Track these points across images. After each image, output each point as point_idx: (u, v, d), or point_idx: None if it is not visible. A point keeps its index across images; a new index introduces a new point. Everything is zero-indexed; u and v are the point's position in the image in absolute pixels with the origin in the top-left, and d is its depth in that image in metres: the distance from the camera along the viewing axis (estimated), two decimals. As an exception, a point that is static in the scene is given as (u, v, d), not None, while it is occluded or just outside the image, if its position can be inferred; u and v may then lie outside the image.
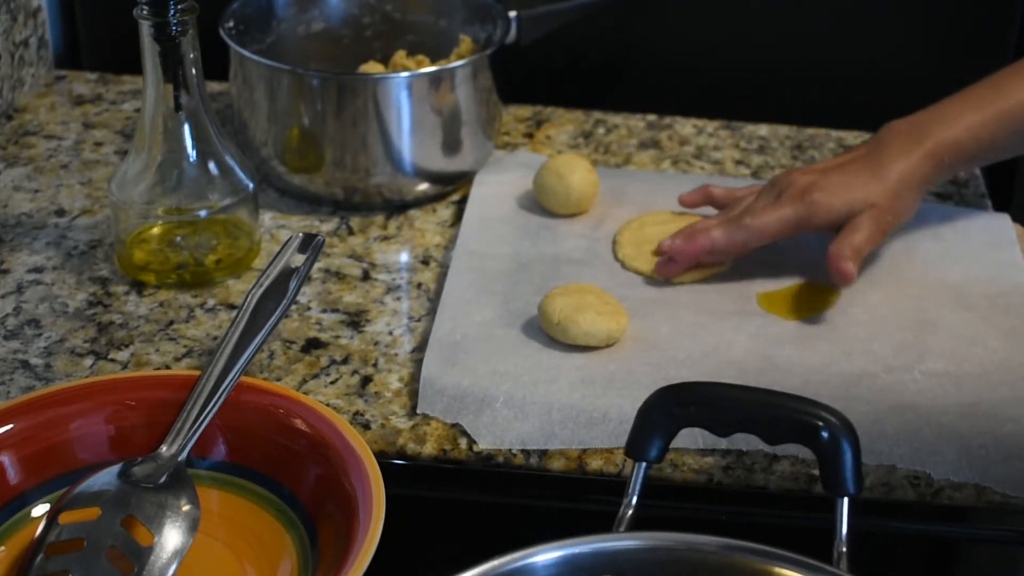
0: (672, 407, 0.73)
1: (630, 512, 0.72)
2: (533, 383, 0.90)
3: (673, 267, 1.01)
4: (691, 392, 0.74)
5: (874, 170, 0.99)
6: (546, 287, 0.98)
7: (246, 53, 1.08)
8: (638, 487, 0.73)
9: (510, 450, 0.87)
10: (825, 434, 0.70)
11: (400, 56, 1.16)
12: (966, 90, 1.01)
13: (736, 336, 0.95)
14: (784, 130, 1.25)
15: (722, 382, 0.75)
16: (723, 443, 0.87)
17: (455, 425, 0.88)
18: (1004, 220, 1.10)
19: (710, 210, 1.07)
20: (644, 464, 0.73)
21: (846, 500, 0.71)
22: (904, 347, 0.95)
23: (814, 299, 1.00)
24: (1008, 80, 1.00)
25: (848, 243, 0.98)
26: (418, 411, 0.89)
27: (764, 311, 0.99)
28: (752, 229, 0.99)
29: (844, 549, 0.69)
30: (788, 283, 1.02)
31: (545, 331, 0.94)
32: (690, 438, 0.87)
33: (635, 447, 0.74)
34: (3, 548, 0.77)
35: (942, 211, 1.11)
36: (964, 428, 0.87)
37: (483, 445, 0.87)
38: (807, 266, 1.04)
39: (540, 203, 1.10)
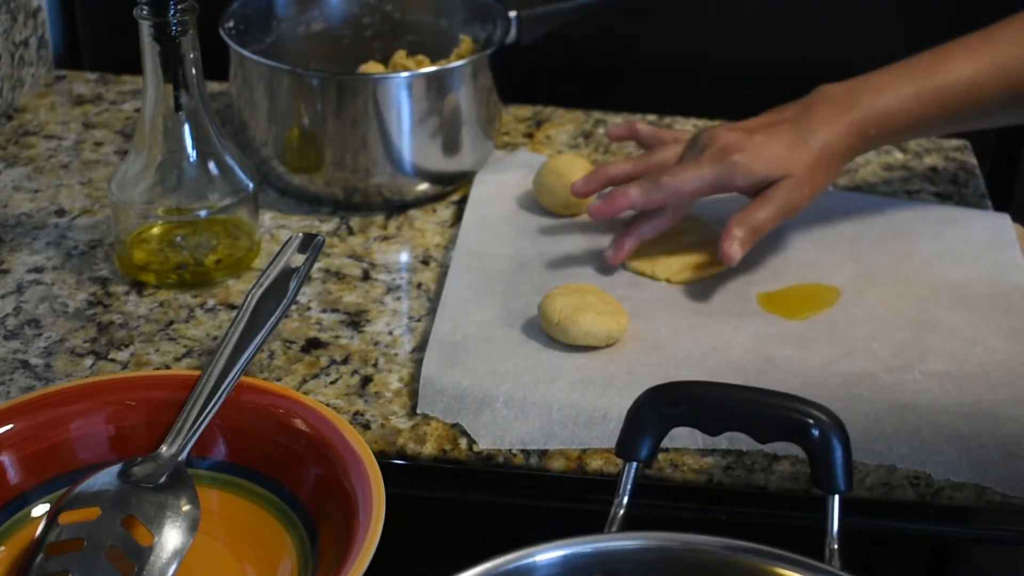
0: (662, 406, 0.73)
1: (621, 512, 0.72)
2: (533, 383, 0.90)
3: (613, 253, 1.01)
4: (681, 391, 0.74)
5: (798, 135, 0.98)
6: (546, 287, 0.98)
7: (246, 53, 1.08)
8: (629, 487, 0.73)
9: (510, 450, 0.87)
10: (816, 432, 0.71)
11: (400, 56, 1.16)
12: (905, 61, 1.00)
13: (736, 336, 0.95)
14: (784, 130, 1.25)
15: (712, 381, 0.76)
16: (724, 443, 0.87)
17: (455, 425, 0.88)
18: (1004, 220, 1.10)
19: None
20: (635, 464, 0.73)
21: (837, 498, 0.71)
22: (904, 347, 0.95)
23: (814, 299, 1.00)
24: (950, 55, 0.99)
25: (750, 219, 0.97)
26: (418, 411, 0.89)
27: (764, 311, 0.99)
28: (670, 188, 0.98)
29: (836, 546, 0.70)
30: (788, 283, 1.02)
31: (545, 331, 0.94)
32: (690, 438, 0.87)
33: (625, 447, 0.74)
34: (3, 548, 0.77)
35: (942, 211, 1.11)
36: (964, 428, 0.87)
37: (483, 445, 0.87)
38: (807, 266, 1.04)
39: (540, 203, 1.10)
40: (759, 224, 0.97)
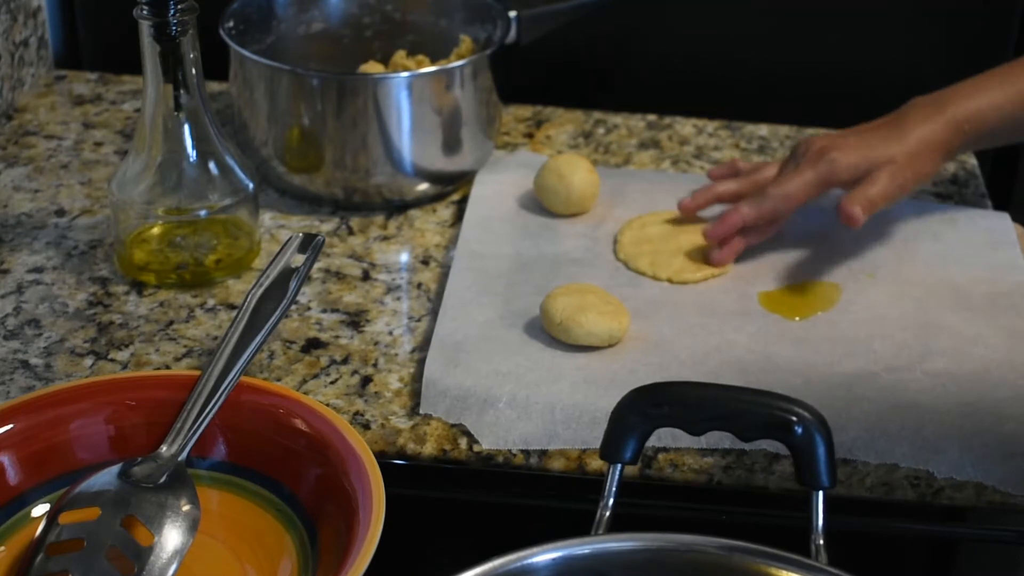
0: (646, 408, 0.73)
1: (607, 514, 0.72)
2: (535, 383, 0.90)
3: (720, 254, 1.03)
4: (664, 392, 0.74)
5: (894, 133, 1.01)
6: (547, 287, 0.98)
7: (246, 53, 1.08)
8: (614, 489, 0.73)
9: (510, 450, 0.87)
10: (799, 429, 0.71)
11: (400, 56, 1.16)
12: (990, 71, 1.03)
13: (738, 336, 0.95)
14: (784, 130, 1.25)
15: (694, 381, 0.76)
16: (725, 442, 0.87)
17: (455, 425, 0.88)
18: (1004, 220, 1.10)
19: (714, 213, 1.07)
20: (619, 465, 0.73)
21: (821, 493, 0.72)
22: (906, 346, 0.95)
23: (815, 299, 1.00)
24: None
25: (863, 193, 0.99)
26: (420, 411, 0.89)
27: (766, 311, 0.99)
28: (777, 197, 1.01)
29: (821, 542, 0.70)
30: (789, 283, 1.02)
31: (547, 331, 0.94)
32: (691, 438, 0.87)
33: (609, 449, 0.74)
34: (3, 548, 0.76)
35: (942, 211, 1.11)
36: (966, 427, 0.87)
37: (486, 445, 0.87)
38: (808, 266, 1.04)
39: (541, 203, 1.10)
40: (873, 196, 0.99)
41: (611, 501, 0.73)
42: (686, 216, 1.08)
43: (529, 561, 0.67)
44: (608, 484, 0.73)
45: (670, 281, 1.02)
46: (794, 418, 0.71)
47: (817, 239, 1.07)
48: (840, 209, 0.99)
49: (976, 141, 1.03)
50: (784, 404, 0.72)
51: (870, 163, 1.00)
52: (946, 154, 1.02)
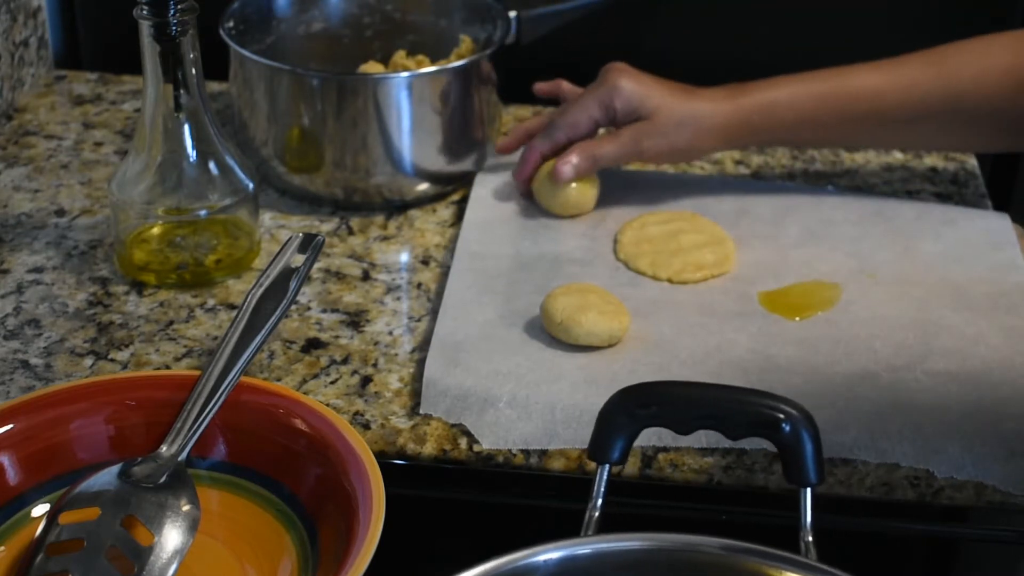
0: (633, 408, 0.73)
1: (596, 515, 0.72)
2: (536, 383, 0.90)
3: (522, 184, 1.08)
4: (651, 392, 0.74)
5: (684, 93, 1.03)
6: (547, 287, 0.98)
7: (246, 53, 1.08)
8: (602, 490, 0.73)
9: (510, 450, 0.87)
10: (786, 427, 0.71)
11: (400, 56, 1.16)
12: (807, 72, 1.03)
13: (738, 336, 0.95)
14: (784, 130, 1.25)
15: (681, 380, 0.76)
16: (725, 442, 0.87)
17: (455, 425, 0.88)
18: (1004, 220, 1.10)
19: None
20: (607, 466, 0.73)
21: (809, 490, 0.72)
22: (906, 346, 0.95)
23: (816, 299, 1.00)
24: (855, 69, 1.02)
25: (593, 148, 1.03)
26: (421, 411, 0.89)
27: (766, 311, 0.99)
28: (563, 124, 1.06)
29: (810, 539, 0.71)
30: (789, 283, 1.02)
31: (547, 331, 0.94)
32: (692, 438, 0.87)
33: (597, 450, 0.74)
34: (3, 548, 0.76)
35: (942, 211, 1.11)
36: (966, 426, 0.87)
37: (486, 445, 0.87)
38: (808, 265, 1.04)
39: (540, 204, 1.10)
40: (600, 155, 1.03)
41: (599, 502, 0.73)
42: (503, 152, 1.13)
43: (529, 561, 0.67)
44: (596, 485, 0.73)
45: (670, 281, 1.02)
46: (781, 416, 0.72)
47: (817, 239, 1.07)
48: (555, 166, 1.03)
49: (768, 136, 1.03)
50: (771, 402, 0.72)
51: (641, 101, 1.02)
52: (721, 140, 1.02)
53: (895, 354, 0.94)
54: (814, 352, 0.94)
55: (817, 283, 1.02)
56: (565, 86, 1.13)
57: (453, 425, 0.88)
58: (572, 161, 1.03)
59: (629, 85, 1.02)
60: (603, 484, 0.73)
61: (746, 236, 1.06)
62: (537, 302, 0.96)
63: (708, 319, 0.97)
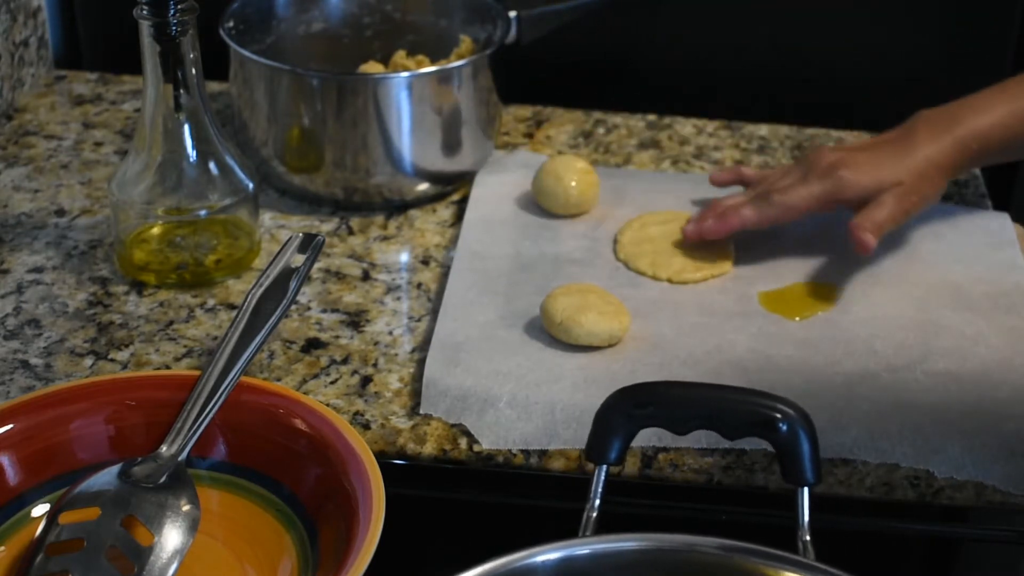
0: (629, 408, 0.73)
1: (594, 515, 0.72)
2: (536, 383, 0.90)
3: (695, 231, 1.03)
4: (648, 392, 0.74)
5: (902, 151, 1.01)
6: (547, 287, 0.98)
7: (246, 53, 1.08)
8: (600, 490, 0.73)
9: (510, 450, 0.87)
10: (783, 426, 0.71)
11: (400, 56, 1.16)
12: (1000, 83, 1.03)
13: (738, 336, 0.95)
14: (784, 130, 1.25)
15: (678, 380, 0.76)
16: (725, 443, 0.87)
17: (455, 425, 0.88)
18: (1004, 220, 1.10)
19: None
20: (604, 467, 0.73)
21: (806, 490, 0.72)
22: (906, 346, 0.95)
23: (815, 299, 1.00)
24: None
25: (870, 217, 0.99)
26: (421, 411, 0.89)
27: (766, 311, 0.99)
28: (781, 205, 1.01)
29: (807, 538, 0.71)
30: (789, 283, 1.02)
31: (547, 331, 0.94)
32: (692, 438, 0.87)
33: (594, 450, 0.74)
34: (3, 548, 0.76)
35: (942, 211, 1.11)
36: (966, 426, 0.87)
37: (486, 445, 0.87)
38: (809, 266, 1.04)
39: (540, 205, 1.10)
40: (881, 220, 0.99)
41: (597, 502, 0.73)
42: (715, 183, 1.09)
43: (529, 561, 0.67)
44: (594, 485, 0.73)
45: (670, 281, 1.02)
46: (778, 415, 0.72)
47: (817, 239, 1.06)
48: (852, 236, 0.98)
49: (981, 159, 1.03)
50: (768, 402, 0.72)
51: (878, 185, 0.99)
52: (950, 174, 1.02)
53: (895, 354, 0.94)
54: (814, 352, 0.94)
55: (817, 283, 1.02)
56: (747, 172, 1.08)
57: (453, 425, 0.88)
58: (867, 230, 0.98)
59: (853, 174, 1.00)
60: (601, 484, 0.73)
61: (746, 236, 1.06)
62: (537, 302, 0.96)
63: (708, 319, 0.97)
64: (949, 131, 1.00)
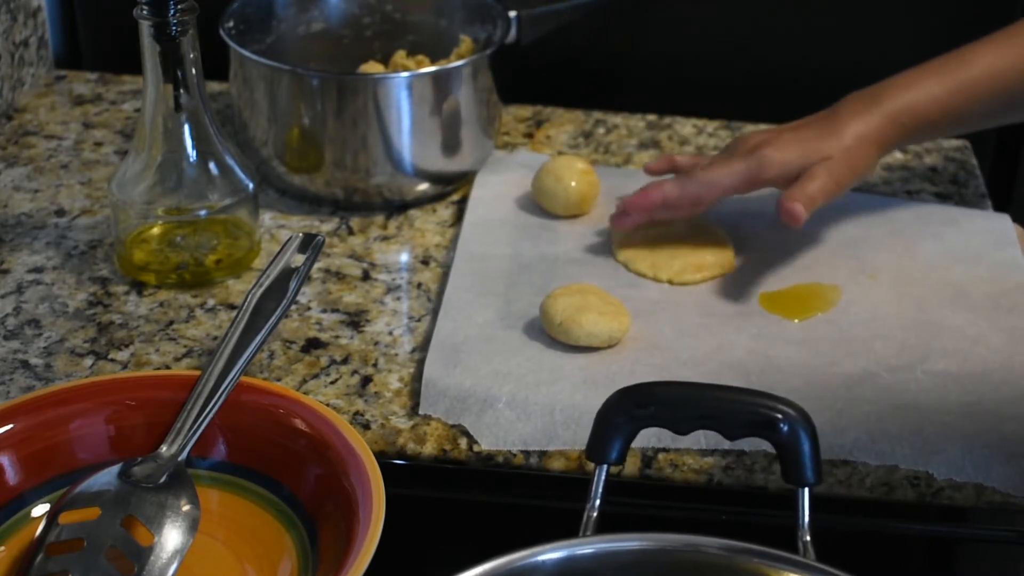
0: (631, 408, 0.73)
1: (595, 515, 0.72)
2: (535, 384, 0.90)
3: (627, 219, 1.02)
4: (649, 392, 0.74)
5: (828, 129, 0.99)
6: (547, 288, 0.98)
7: (246, 53, 1.08)
8: (600, 490, 0.73)
9: (510, 450, 0.87)
10: (784, 427, 0.71)
11: (400, 56, 1.16)
12: (928, 61, 1.01)
13: (738, 337, 0.95)
14: (784, 130, 1.25)
15: (679, 380, 0.76)
16: (725, 443, 0.87)
17: (455, 425, 0.88)
18: (1005, 220, 1.10)
19: None
20: (605, 467, 0.73)
21: (807, 490, 0.72)
22: (906, 347, 0.95)
23: (816, 299, 1.00)
24: (973, 51, 1.01)
25: (801, 190, 0.97)
26: (420, 412, 0.89)
27: (766, 311, 0.99)
28: (703, 182, 1.00)
29: (808, 538, 0.70)
30: (790, 283, 1.02)
31: (547, 332, 0.94)
32: (692, 438, 0.87)
33: (595, 450, 0.74)
34: (3, 548, 0.76)
35: (943, 211, 1.11)
36: (967, 427, 0.87)
37: (485, 446, 0.87)
38: (808, 266, 1.04)
39: (539, 205, 1.10)
40: (812, 192, 0.97)
41: (597, 502, 0.73)
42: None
43: (530, 561, 0.67)
44: (594, 485, 0.73)
45: (671, 282, 1.02)
46: (779, 416, 0.72)
47: (817, 239, 1.06)
48: (780, 207, 0.97)
49: (914, 134, 1.02)
50: (769, 402, 0.72)
51: (803, 161, 0.98)
52: (882, 148, 1.00)
53: (895, 355, 0.94)
54: (814, 353, 0.94)
55: (817, 284, 1.02)
56: (680, 159, 1.07)
57: (453, 425, 0.88)
58: (798, 200, 0.97)
59: (777, 152, 0.99)
60: (601, 484, 0.73)
61: (746, 237, 1.06)
62: (537, 303, 0.96)
63: (708, 320, 0.97)
64: (876, 106, 0.99)
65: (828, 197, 0.98)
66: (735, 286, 1.01)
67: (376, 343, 0.96)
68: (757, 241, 1.06)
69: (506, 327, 0.96)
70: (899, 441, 0.86)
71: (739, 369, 0.92)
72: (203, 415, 0.79)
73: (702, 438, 0.87)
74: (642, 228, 1.07)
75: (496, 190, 1.12)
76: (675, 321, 0.97)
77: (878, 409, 0.88)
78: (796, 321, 0.98)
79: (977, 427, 0.87)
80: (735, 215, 1.08)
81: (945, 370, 0.92)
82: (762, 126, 1.25)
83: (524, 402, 0.89)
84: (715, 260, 1.03)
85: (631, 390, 0.74)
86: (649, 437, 0.86)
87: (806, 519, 0.71)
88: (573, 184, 1.08)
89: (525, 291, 0.99)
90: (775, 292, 1.01)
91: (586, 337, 0.92)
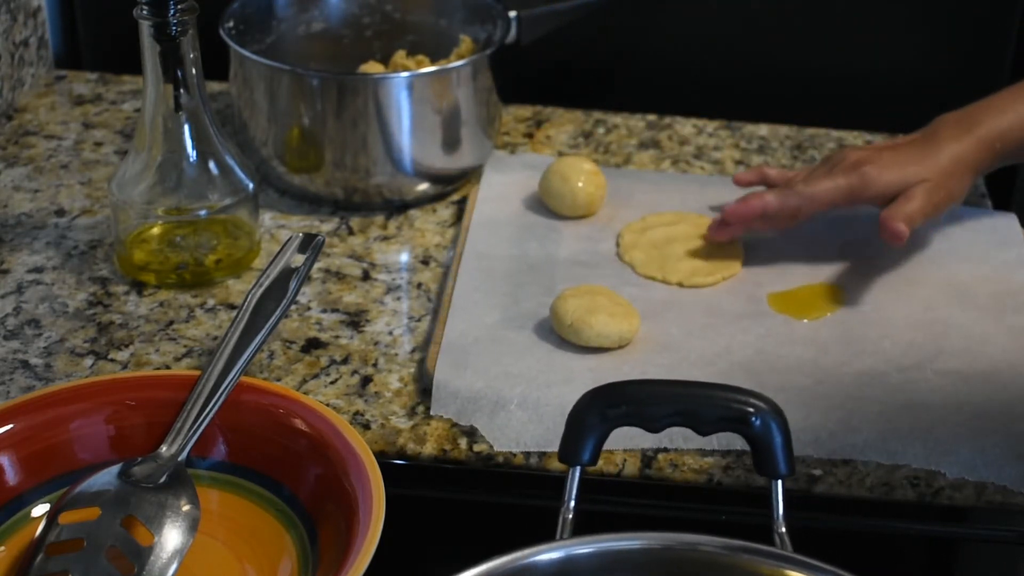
0: (602, 408, 0.73)
1: (570, 516, 0.72)
2: (546, 385, 0.90)
3: (726, 230, 1.03)
4: (620, 392, 0.74)
5: (927, 150, 1.00)
6: (555, 289, 0.98)
7: (246, 53, 1.08)
8: (575, 492, 0.73)
9: (510, 450, 0.87)
10: (756, 420, 0.72)
11: (400, 56, 1.16)
12: (1018, 84, 1.03)
13: (747, 337, 0.95)
14: (784, 130, 1.25)
15: (650, 379, 0.76)
16: (725, 443, 0.87)
17: (455, 425, 0.88)
18: (1011, 220, 1.10)
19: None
20: (579, 468, 0.73)
21: (780, 482, 0.72)
22: (915, 346, 0.95)
23: (824, 299, 1.00)
24: None
25: (901, 210, 0.99)
26: (432, 413, 0.89)
27: (775, 312, 0.99)
28: (804, 195, 1.00)
29: (783, 530, 0.71)
30: (798, 284, 1.02)
31: (557, 332, 0.94)
32: (693, 439, 0.87)
33: (567, 452, 0.73)
34: (3, 548, 0.76)
35: (949, 211, 1.11)
36: (978, 427, 0.87)
37: (498, 448, 0.87)
38: (817, 267, 1.04)
39: (547, 206, 1.10)
40: (911, 212, 0.98)
41: (572, 504, 0.73)
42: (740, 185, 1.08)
43: (529, 561, 0.67)
44: (568, 487, 0.73)
45: (681, 285, 1.01)
46: (751, 410, 0.72)
47: (824, 240, 1.06)
48: (883, 226, 0.98)
49: (1006, 157, 1.03)
50: (740, 396, 0.72)
51: (903, 181, 0.99)
52: (976, 172, 1.02)
53: (904, 354, 0.94)
54: (823, 353, 0.94)
55: (825, 284, 1.02)
56: (769, 172, 1.08)
57: (453, 425, 0.88)
58: (899, 220, 0.98)
59: (878, 171, 0.99)
60: (575, 486, 0.73)
61: (754, 237, 1.06)
62: (546, 304, 0.96)
63: (717, 320, 0.97)
64: (971, 131, 1.01)
65: (926, 218, 1.00)
66: (743, 287, 1.01)
67: (376, 343, 0.96)
68: (765, 242, 1.06)
69: (515, 328, 0.95)
70: (910, 440, 0.86)
71: (748, 369, 0.92)
72: (203, 415, 0.79)
73: (712, 439, 0.86)
74: (648, 229, 1.07)
75: (502, 190, 1.12)
76: (684, 322, 0.97)
77: (888, 408, 0.88)
78: (805, 321, 0.98)
79: (988, 426, 0.87)
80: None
81: (954, 369, 0.92)
82: (762, 126, 1.25)
83: (536, 403, 0.88)
84: (725, 262, 1.03)
85: (601, 390, 0.74)
86: (658, 439, 0.86)
87: (781, 511, 0.72)
88: (580, 185, 1.08)
89: (533, 292, 0.99)
90: (784, 292, 1.01)
91: (597, 338, 0.92)
